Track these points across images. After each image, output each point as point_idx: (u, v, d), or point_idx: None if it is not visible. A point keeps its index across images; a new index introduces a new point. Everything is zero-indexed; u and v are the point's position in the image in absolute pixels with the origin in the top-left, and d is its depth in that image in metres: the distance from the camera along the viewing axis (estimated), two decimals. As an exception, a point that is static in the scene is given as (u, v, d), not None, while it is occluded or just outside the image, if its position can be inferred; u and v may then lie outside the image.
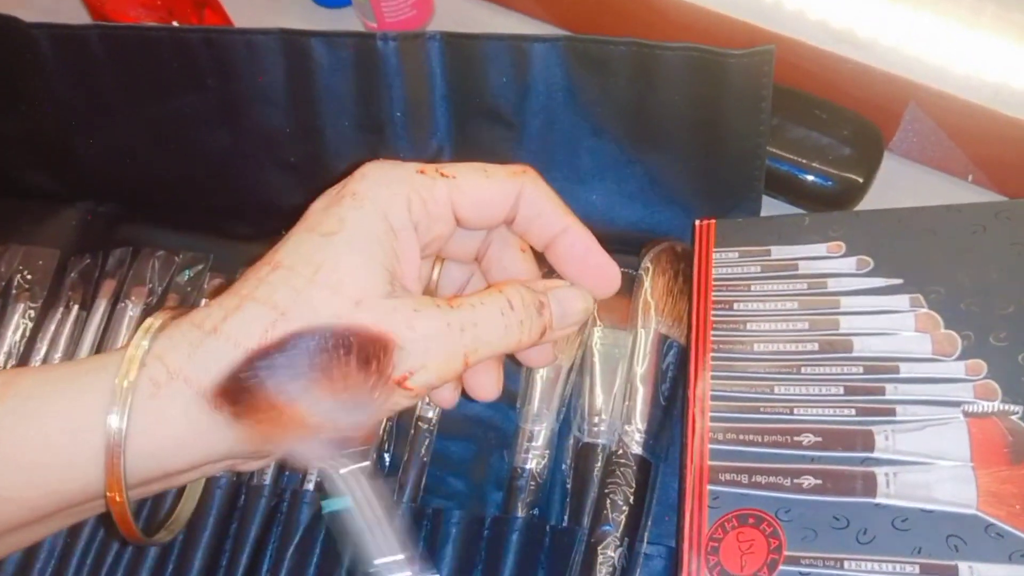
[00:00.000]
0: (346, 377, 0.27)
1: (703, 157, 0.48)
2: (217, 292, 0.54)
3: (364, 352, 0.27)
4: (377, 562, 0.32)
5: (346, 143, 0.53)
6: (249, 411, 0.27)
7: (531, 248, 0.35)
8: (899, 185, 0.53)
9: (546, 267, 0.35)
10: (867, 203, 0.53)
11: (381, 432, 0.49)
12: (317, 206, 0.32)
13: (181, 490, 0.37)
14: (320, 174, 0.56)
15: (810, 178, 0.52)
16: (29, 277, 0.56)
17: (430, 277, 0.36)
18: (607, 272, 0.34)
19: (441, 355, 0.29)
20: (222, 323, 0.28)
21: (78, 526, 0.48)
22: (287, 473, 0.49)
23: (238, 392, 0.27)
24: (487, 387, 0.34)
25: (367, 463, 0.32)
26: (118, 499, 0.27)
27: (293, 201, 0.57)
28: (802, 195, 0.53)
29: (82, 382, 0.28)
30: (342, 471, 0.32)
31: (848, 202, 0.52)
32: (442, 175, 0.32)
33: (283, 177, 0.56)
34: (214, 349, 0.28)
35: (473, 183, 0.32)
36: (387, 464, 0.49)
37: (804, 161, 0.52)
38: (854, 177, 0.52)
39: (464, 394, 0.48)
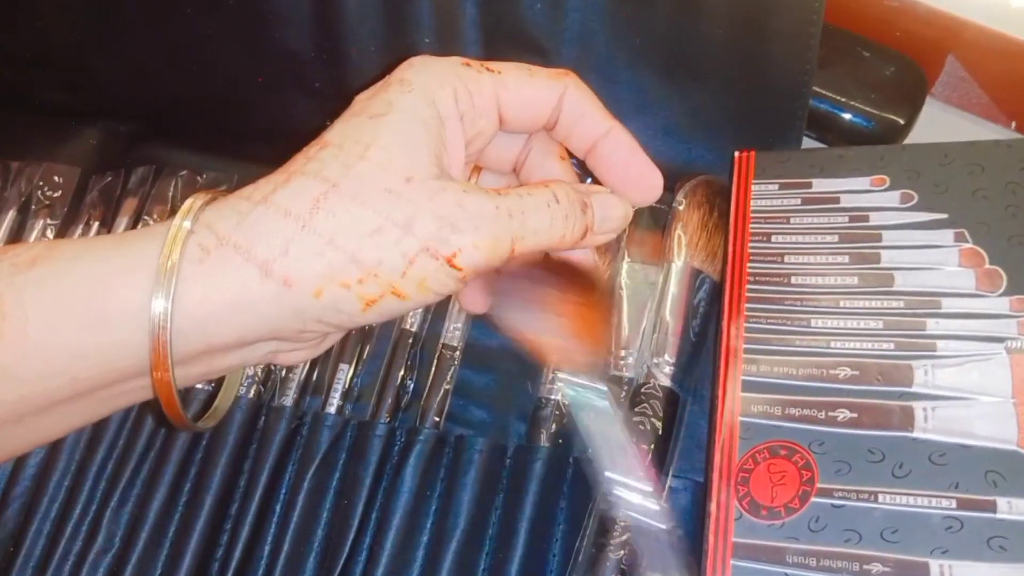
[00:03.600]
0: None
1: (745, 91, 0.47)
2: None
3: None
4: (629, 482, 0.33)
5: (372, 69, 0.52)
6: None
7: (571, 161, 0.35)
8: (940, 131, 0.52)
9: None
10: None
11: (406, 358, 0.48)
12: (363, 96, 0.32)
13: (219, 383, 0.38)
14: (345, 100, 0.54)
15: (849, 117, 0.51)
16: (50, 194, 0.55)
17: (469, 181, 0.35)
18: (650, 177, 0.33)
19: (490, 236, 0.28)
20: (272, 194, 0.28)
21: (95, 442, 0.47)
22: (309, 396, 0.49)
23: None
24: (477, 300, 0.36)
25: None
26: (164, 378, 0.27)
27: (318, 127, 0.56)
28: (840, 135, 0.51)
29: (128, 259, 0.27)
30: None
31: (888, 144, 0.51)
32: (488, 70, 0.31)
33: (307, 102, 0.54)
34: (264, 217, 0.28)
35: (518, 80, 0.32)
36: (410, 390, 0.48)
37: (844, 99, 0.51)
38: (895, 118, 0.51)
39: (486, 323, 0.48)
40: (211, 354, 0.29)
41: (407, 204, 0.28)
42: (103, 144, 0.58)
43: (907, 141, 0.51)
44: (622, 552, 0.41)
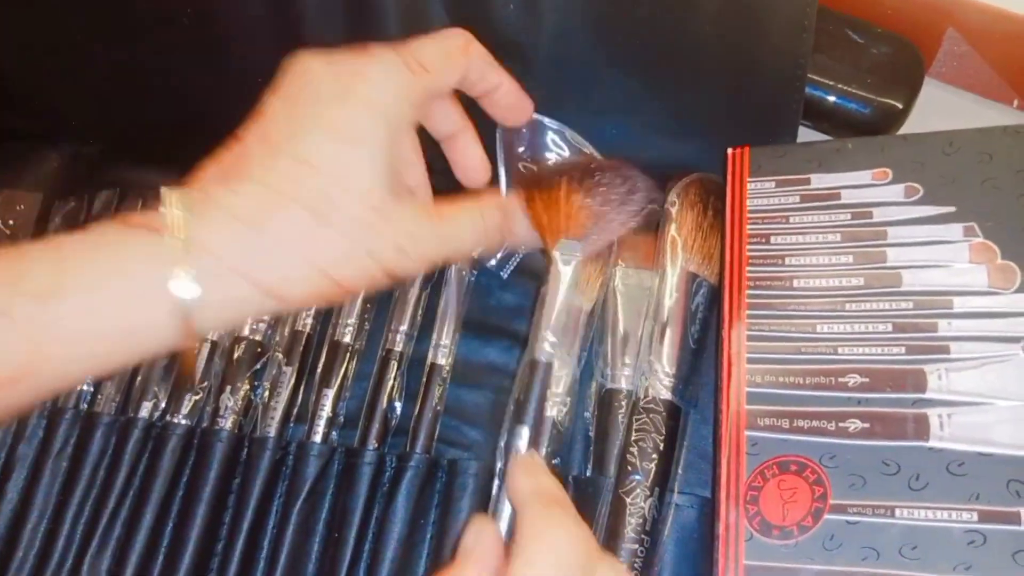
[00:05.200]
0: None
1: (735, 84, 0.44)
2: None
3: None
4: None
5: None
6: None
7: None
8: (940, 112, 0.50)
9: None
10: (906, 132, 0.49)
11: (392, 379, 0.46)
12: (313, 105, 0.34)
13: None
14: None
15: (845, 104, 0.48)
16: (11, 223, 0.52)
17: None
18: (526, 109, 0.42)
19: (428, 260, 0.36)
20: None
21: (70, 483, 0.45)
22: (292, 424, 0.47)
23: None
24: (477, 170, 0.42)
25: None
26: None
27: None
28: (837, 122, 0.49)
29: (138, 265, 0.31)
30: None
31: (886, 130, 0.49)
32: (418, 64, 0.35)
33: (261, 80, 0.52)
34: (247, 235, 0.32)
35: (445, 76, 0.37)
36: (398, 415, 0.46)
37: (839, 85, 0.48)
38: (893, 103, 0.48)
39: (478, 339, 0.46)
40: None
41: (374, 233, 0.33)
42: (66, 168, 0.55)
43: (906, 125, 0.49)
44: (637, 546, 0.39)
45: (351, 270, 0.33)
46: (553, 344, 0.41)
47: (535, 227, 0.42)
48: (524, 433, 0.39)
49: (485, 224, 0.37)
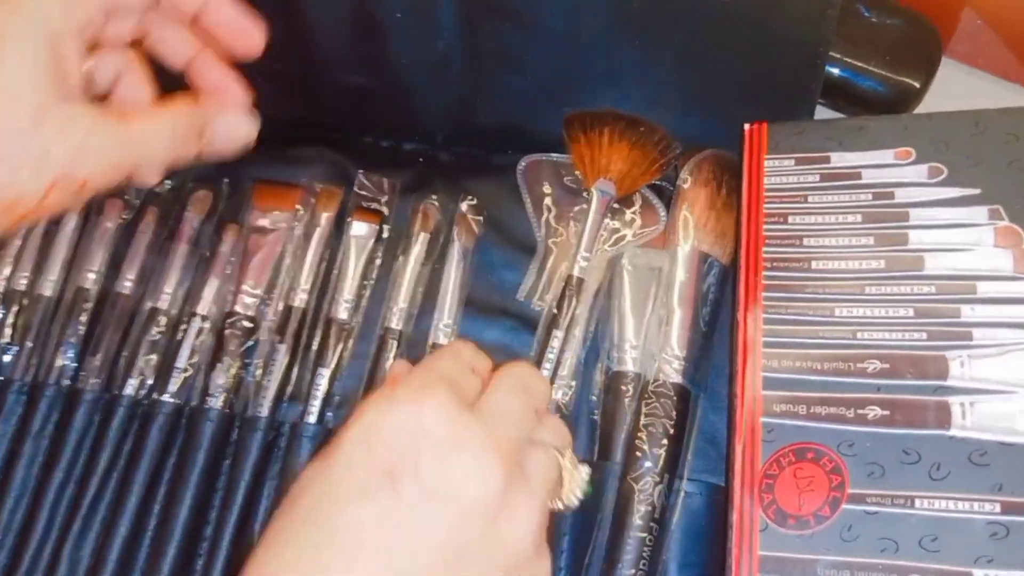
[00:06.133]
0: None
1: (755, 59, 0.42)
2: (202, 204, 0.49)
3: None
4: None
5: (340, 48, 0.47)
6: None
7: None
8: (956, 92, 0.49)
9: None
10: (922, 111, 0.48)
11: (391, 358, 0.44)
12: None
13: None
14: (312, 84, 0.49)
15: (862, 82, 0.47)
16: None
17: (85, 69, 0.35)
18: (254, 34, 0.38)
19: (115, 166, 0.33)
20: None
21: (50, 465, 0.43)
22: (286, 404, 0.45)
23: None
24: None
25: None
26: None
27: (283, 109, 0.51)
28: (852, 100, 0.48)
29: None
30: None
31: (902, 109, 0.48)
32: None
33: (269, 87, 0.50)
34: None
35: None
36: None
37: (856, 63, 0.47)
38: (910, 81, 0.47)
39: (480, 319, 0.44)
40: None
41: (40, 143, 0.30)
42: None
43: (922, 104, 0.48)
44: (646, 535, 0.38)
45: (16, 186, 0.31)
46: (587, 259, 0.44)
47: (577, 165, 0.46)
48: (558, 335, 0.43)
49: (177, 129, 0.35)
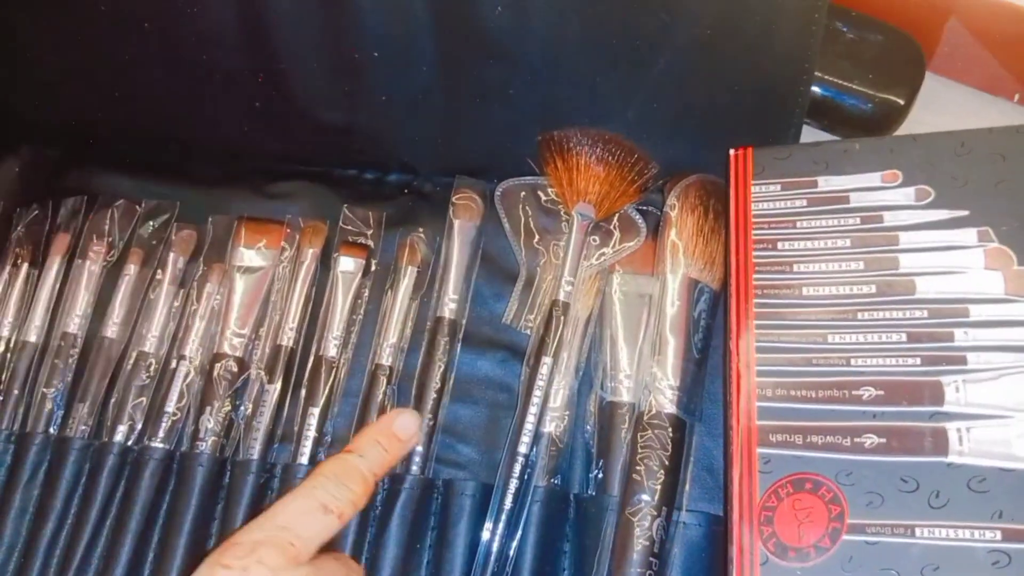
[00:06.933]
0: None
1: (738, 81, 0.42)
2: (186, 244, 0.48)
3: None
4: None
5: (318, 86, 0.47)
6: None
7: None
8: (940, 107, 0.48)
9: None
10: (906, 128, 0.48)
11: (381, 396, 0.44)
12: None
13: None
14: (292, 119, 0.49)
15: (846, 100, 0.47)
16: (-31, 233, 0.49)
17: None
18: None
19: None
20: None
21: (41, 517, 0.42)
22: (276, 445, 0.44)
23: None
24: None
25: None
26: None
27: (265, 145, 0.51)
28: (837, 119, 0.48)
29: None
30: None
31: (887, 127, 0.47)
32: None
33: (250, 121, 0.49)
34: None
35: None
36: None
37: (839, 81, 0.47)
38: (894, 99, 0.47)
39: (471, 351, 0.44)
40: None
41: None
42: (27, 172, 0.52)
43: (907, 121, 0.48)
44: (645, 570, 0.37)
45: None
46: (571, 283, 0.44)
47: (556, 189, 0.46)
48: (547, 361, 0.42)
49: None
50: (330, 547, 0.39)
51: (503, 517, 0.40)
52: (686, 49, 0.41)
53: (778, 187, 0.41)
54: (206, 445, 0.43)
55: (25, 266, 0.48)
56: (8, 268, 0.49)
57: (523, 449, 0.41)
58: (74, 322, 0.47)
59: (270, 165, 0.51)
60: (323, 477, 0.36)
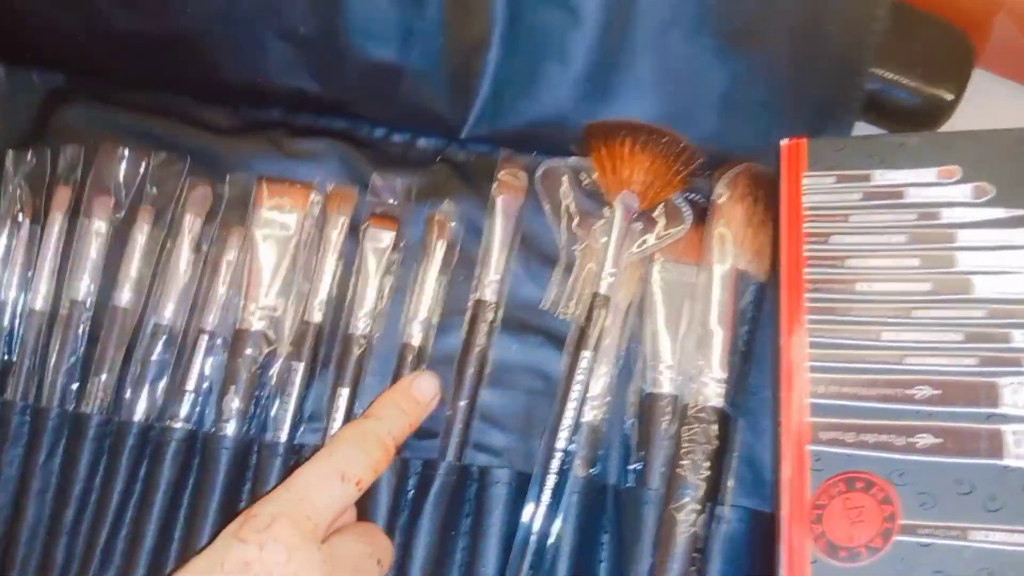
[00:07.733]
0: None
1: (797, 67, 0.41)
2: (201, 204, 0.45)
3: None
4: None
5: (374, 17, 0.43)
6: None
7: None
8: (989, 104, 0.48)
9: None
10: (953, 124, 0.47)
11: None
12: None
13: None
14: (334, 53, 0.44)
15: (894, 94, 0.46)
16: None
17: None
18: None
19: None
20: None
21: (60, 503, 0.41)
22: (303, 427, 0.43)
23: None
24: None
25: None
26: None
27: (294, 83, 0.47)
28: (883, 113, 0.47)
29: None
30: None
31: (934, 121, 0.47)
32: None
33: (285, 50, 0.45)
34: None
35: None
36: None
37: (887, 75, 0.46)
38: (942, 94, 0.46)
39: (506, 335, 0.43)
40: None
41: None
42: (18, 102, 0.48)
43: (955, 115, 0.47)
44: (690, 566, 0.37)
45: None
46: (613, 275, 0.43)
47: (599, 176, 0.45)
48: (587, 355, 0.41)
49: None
50: (359, 517, 0.39)
51: (541, 510, 0.39)
52: (748, 19, 0.39)
53: (833, 179, 0.40)
54: (230, 426, 0.42)
55: (27, 222, 0.45)
56: (8, 222, 0.45)
57: (561, 444, 0.40)
58: (82, 288, 0.44)
59: (295, 112, 0.48)
60: (342, 443, 0.35)
